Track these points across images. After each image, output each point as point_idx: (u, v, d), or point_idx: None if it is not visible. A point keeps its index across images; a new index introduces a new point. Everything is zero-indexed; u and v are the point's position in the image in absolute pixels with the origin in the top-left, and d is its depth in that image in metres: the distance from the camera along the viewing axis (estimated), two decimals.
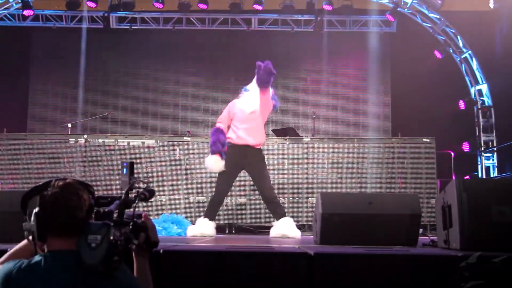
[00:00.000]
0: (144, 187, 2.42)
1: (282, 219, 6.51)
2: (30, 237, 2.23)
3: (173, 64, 12.61)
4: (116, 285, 2.15)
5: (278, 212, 6.58)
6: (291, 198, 8.26)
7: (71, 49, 12.43)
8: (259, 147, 6.75)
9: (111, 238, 2.09)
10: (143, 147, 8.41)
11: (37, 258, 2.17)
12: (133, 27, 12.37)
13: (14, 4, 11.55)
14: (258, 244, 5.30)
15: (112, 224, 2.14)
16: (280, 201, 7.13)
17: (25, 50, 12.61)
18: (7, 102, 11.86)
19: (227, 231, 7.98)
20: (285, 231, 6.40)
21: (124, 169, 2.45)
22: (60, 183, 2.23)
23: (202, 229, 6.45)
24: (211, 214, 6.61)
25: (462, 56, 11.62)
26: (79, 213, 2.18)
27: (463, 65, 11.70)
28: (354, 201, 5.33)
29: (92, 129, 11.70)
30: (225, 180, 6.68)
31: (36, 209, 2.21)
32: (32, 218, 2.21)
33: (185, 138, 8.62)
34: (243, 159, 6.66)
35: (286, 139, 8.57)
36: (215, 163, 6.60)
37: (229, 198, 8.07)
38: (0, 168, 8.21)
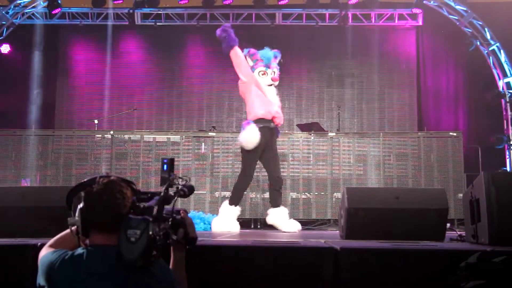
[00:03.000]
0: (183, 183, 2.45)
1: (279, 208, 6.70)
2: (74, 231, 2.28)
3: (197, 60, 12.66)
4: (155, 280, 2.19)
5: (278, 201, 6.73)
6: (316, 193, 8.23)
7: (97, 46, 12.58)
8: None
9: (150, 233, 2.12)
10: (168, 142, 8.46)
11: (80, 250, 2.22)
12: (157, 23, 12.45)
13: (41, 3, 11.69)
14: (284, 238, 5.30)
15: (151, 219, 2.17)
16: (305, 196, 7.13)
17: (52, 48, 12.76)
18: (35, 99, 12.04)
19: (252, 226, 8.00)
20: (280, 223, 6.63)
21: (165, 166, 2.47)
22: (104, 180, 2.28)
23: (230, 228, 6.51)
24: (236, 200, 6.69)
25: (490, 49, 11.43)
26: (122, 210, 2.23)
27: (490, 57, 11.51)
28: (380, 195, 5.30)
29: (118, 125, 11.80)
30: (253, 163, 6.70)
31: (81, 205, 2.26)
32: (77, 214, 2.26)
33: (210, 133, 8.66)
34: (269, 138, 6.68)
35: (311, 134, 8.55)
36: (251, 135, 6.49)
37: (254, 192, 8.09)
38: (29, 164, 8.34)
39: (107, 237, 2.20)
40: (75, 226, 2.29)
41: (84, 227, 2.25)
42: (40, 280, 2.21)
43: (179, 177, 2.45)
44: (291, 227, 6.55)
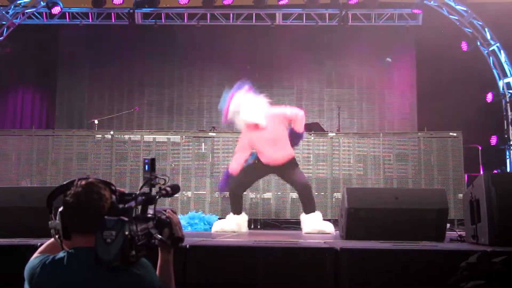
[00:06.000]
0: (163, 183, 2.44)
1: (313, 214, 6.28)
2: (57, 236, 2.29)
3: (198, 60, 12.66)
4: (134, 279, 2.19)
5: (310, 204, 6.33)
6: (316, 193, 8.22)
7: (97, 46, 12.59)
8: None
9: (126, 233, 2.12)
10: (168, 143, 8.46)
11: (61, 254, 2.23)
12: (158, 23, 12.45)
13: (41, 3, 11.69)
14: (284, 239, 5.30)
15: (127, 219, 2.16)
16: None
17: (52, 48, 12.77)
18: (35, 99, 12.05)
19: (252, 226, 8.00)
20: (322, 226, 6.15)
21: (146, 166, 2.47)
22: (83, 182, 2.28)
23: (223, 225, 6.38)
24: (233, 209, 6.50)
25: (490, 49, 11.42)
26: (101, 211, 2.22)
27: (491, 57, 11.50)
28: (380, 196, 5.30)
29: (118, 125, 11.79)
30: (250, 175, 6.55)
31: (61, 208, 2.26)
32: (57, 217, 2.27)
33: (210, 133, 8.66)
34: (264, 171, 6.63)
35: (311, 134, 8.55)
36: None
37: (254, 193, 8.09)
38: (29, 165, 8.35)
39: (88, 239, 2.19)
40: (57, 231, 2.30)
41: (64, 230, 2.25)
42: (26, 287, 2.22)
43: (157, 177, 2.44)
44: (331, 228, 6.20)
